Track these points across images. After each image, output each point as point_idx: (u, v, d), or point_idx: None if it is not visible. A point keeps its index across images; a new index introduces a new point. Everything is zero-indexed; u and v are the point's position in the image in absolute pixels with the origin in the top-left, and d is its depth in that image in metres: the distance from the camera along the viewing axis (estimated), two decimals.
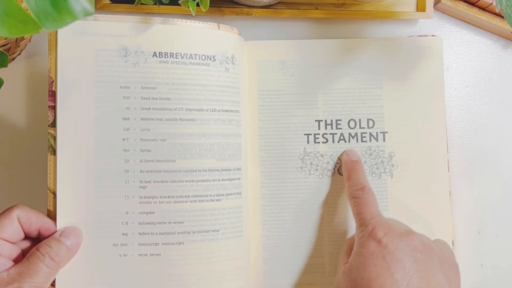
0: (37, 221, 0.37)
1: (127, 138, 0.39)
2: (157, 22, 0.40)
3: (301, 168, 0.45)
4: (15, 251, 0.36)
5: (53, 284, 0.38)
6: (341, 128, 0.45)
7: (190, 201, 0.40)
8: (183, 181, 0.40)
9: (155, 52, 0.40)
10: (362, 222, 0.39)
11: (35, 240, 0.38)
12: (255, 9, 0.47)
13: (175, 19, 0.40)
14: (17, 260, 0.36)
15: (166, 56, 0.40)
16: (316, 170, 0.45)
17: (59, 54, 0.39)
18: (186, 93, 0.40)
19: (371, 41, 0.46)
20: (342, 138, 0.45)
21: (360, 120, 0.45)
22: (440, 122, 0.45)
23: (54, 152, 0.39)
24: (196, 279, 0.39)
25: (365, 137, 0.45)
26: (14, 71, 0.46)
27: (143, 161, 0.39)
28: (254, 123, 0.45)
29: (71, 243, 0.37)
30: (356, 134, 0.45)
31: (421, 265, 0.36)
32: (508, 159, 0.48)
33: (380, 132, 0.45)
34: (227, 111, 0.41)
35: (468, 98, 0.49)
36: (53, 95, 0.39)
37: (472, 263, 0.47)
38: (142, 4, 0.41)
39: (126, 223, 0.39)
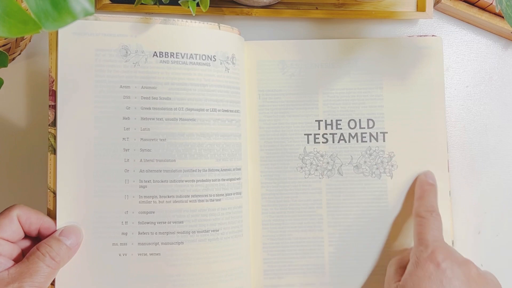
0: (37, 221, 0.37)
1: (127, 138, 0.39)
2: (158, 22, 0.40)
3: (301, 168, 0.45)
4: (15, 251, 0.36)
5: (52, 283, 0.38)
6: (341, 128, 0.45)
7: (190, 201, 0.40)
8: (183, 180, 0.40)
9: (155, 52, 0.40)
10: (422, 242, 0.39)
11: (35, 239, 0.38)
12: (255, 9, 0.47)
13: (176, 19, 0.40)
14: (17, 260, 0.36)
15: (166, 56, 0.40)
16: (316, 170, 0.45)
17: (60, 53, 0.39)
18: (186, 93, 0.40)
19: (371, 41, 0.46)
20: (342, 138, 0.45)
21: (360, 120, 0.45)
22: (440, 122, 0.45)
23: (54, 151, 0.39)
24: (195, 279, 0.39)
25: (365, 137, 0.45)
26: (14, 71, 0.46)
27: (143, 160, 0.39)
28: (254, 123, 0.45)
29: (71, 242, 0.37)
30: (356, 134, 0.45)
31: None
32: (508, 159, 0.48)
33: (380, 132, 0.45)
34: (227, 111, 0.41)
35: (468, 98, 0.49)
36: (53, 94, 0.39)
37: None
38: (142, 4, 0.41)
39: (126, 222, 0.39)
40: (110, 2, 0.47)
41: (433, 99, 0.45)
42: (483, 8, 0.48)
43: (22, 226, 0.36)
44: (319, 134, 0.45)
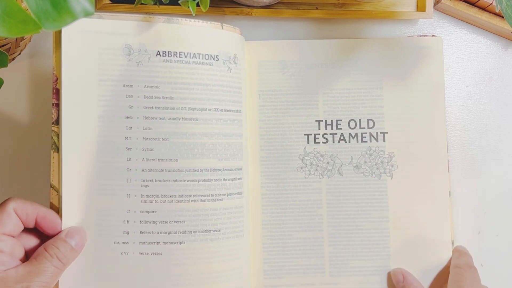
0: (32, 211, 0.36)
1: (130, 137, 0.39)
2: (161, 21, 0.40)
3: (301, 168, 0.45)
4: (18, 247, 0.36)
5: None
6: (341, 128, 0.45)
7: (192, 201, 0.40)
8: (185, 180, 0.40)
9: (158, 51, 0.40)
10: None
11: (34, 233, 0.38)
12: (255, 9, 0.47)
13: (179, 18, 0.40)
14: (20, 256, 0.36)
15: (169, 55, 0.40)
16: (316, 170, 0.45)
17: (64, 52, 0.39)
18: (189, 93, 0.40)
19: (371, 41, 0.46)
20: (342, 138, 0.45)
21: (360, 120, 0.45)
22: (440, 122, 0.45)
23: (57, 149, 0.39)
24: (196, 279, 0.39)
25: (365, 137, 0.45)
26: (14, 71, 0.46)
27: (145, 160, 0.39)
28: (255, 123, 0.45)
29: (76, 243, 0.37)
30: (356, 134, 0.45)
31: None
32: (508, 159, 0.48)
33: (380, 133, 0.45)
34: (229, 111, 0.41)
35: (468, 98, 0.49)
36: (57, 93, 0.39)
37: None
38: (142, 4, 0.41)
39: (128, 221, 0.39)
40: (110, 2, 0.47)
41: (433, 99, 0.45)
42: (483, 8, 0.48)
43: (20, 218, 0.36)
44: (319, 134, 0.45)
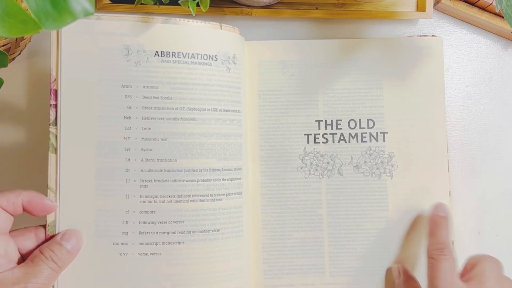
0: (16, 198, 0.36)
1: (129, 137, 0.39)
2: (159, 21, 0.40)
3: (301, 168, 0.45)
4: (13, 249, 0.36)
5: None
6: (341, 128, 0.45)
7: (191, 201, 0.40)
8: (184, 180, 0.40)
9: (157, 51, 0.40)
10: None
11: (29, 233, 0.37)
12: (255, 9, 0.47)
13: (178, 18, 0.40)
14: (15, 258, 0.36)
15: (168, 56, 0.40)
16: (316, 170, 0.45)
17: (63, 52, 0.39)
18: (188, 93, 0.40)
19: (371, 41, 0.46)
20: (342, 138, 0.45)
21: (360, 120, 0.45)
22: (440, 122, 0.45)
23: (55, 150, 0.39)
24: (196, 279, 0.39)
25: (365, 137, 0.45)
26: (14, 71, 0.46)
27: (144, 160, 0.39)
28: (255, 123, 0.45)
29: (71, 246, 0.37)
30: (356, 134, 0.45)
31: None
32: (508, 159, 0.48)
33: (380, 133, 0.45)
34: (228, 111, 0.41)
35: (468, 98, 0.49)
36: (55, 93, 0.39)
37: None
38: (142, 4, 0.41)
39: (127, 222, 0.39)
40: (110, 2, 0.47)
41: (433, 99, 0.45)
42: (483, 8, 0.48)
43: (6, 211, 0.36)
44: (319, 134, 0.45)
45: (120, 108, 0.39)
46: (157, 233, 0.39)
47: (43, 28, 0.25)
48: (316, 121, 0.45)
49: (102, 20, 0.40)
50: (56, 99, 0.39)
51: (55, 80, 0.39)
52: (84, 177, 0.39)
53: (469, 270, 0.39)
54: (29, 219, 0.39)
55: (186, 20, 0.41)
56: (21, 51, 0.46)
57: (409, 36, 0.47)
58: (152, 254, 0.39)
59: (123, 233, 0.39)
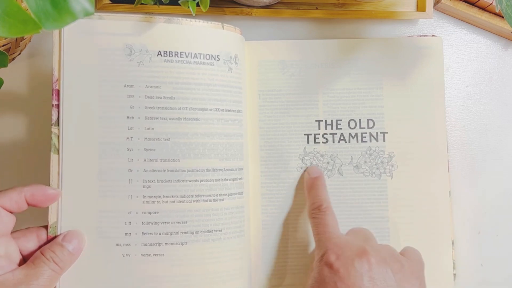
0: (19, 195, 0.36)
1: (131, 137, 0.39)
2: (162, 21, 0.40)
3: (301, 168, 0.45)
4: (14, 251, 0.36)
5: None
6: (341, 128, 0.45)
7: (194, 201, 0.40)
8: (186, 180, 0.40)
9: (159, 51, 0.40)
10: (318, 245, 0.39)
11: (31, 235, 0.37)
12: (255, 9, 0.47)
13: (180, 18, 0.40)
14: (16, 260, 0.36)
15: (170, 55, 0.40)
16: None
17: (64, 52, 0.39)
18: (190, 93, 0.40)
19: (371, 41, 0.46)
20: (342, 138, 0.45)
21: (360, 120, 0.45)
22: (440, 122, 0.45)
23: (57, 151, 0.39)
24: (199, 279, 0.39)
25: (365, 137, 0.45)
26: (14, 71, 0.46)
27: (147, 160, 0.39)
28: (255, 123, 0.45)
29: (73, 247, 0.37)
30: (356, 134, 0.45)
31: (376, 285, 0.34)
32: (508, 159, 0.48)
33: (380, 132, 0.45)
34: (230, 110, 0.41)
35: (468, 98, 0.49)
36: (57, 93, 0.39)
37: (472, 263, 0.47)
38: (142, 4, 0.41)
39: (130, 223, 0.39)
40: (110, 2, 0.47)
41: (433, 99, 0.45)
42: (483, 8, 0.48)
43: (11, 211, 0.36)
44: (319, 134, 0.45)
45: (123, 108, 0.39)
46: (160, 233, 0.39)
47: (43, 28, 0.25)
48: (316, 121, 0.45)
49: (104, 20, 0.39)
50: (58, 99, 0.39)
51: (57, 80, 0.39)
52: (87, 178, 0.39)
53: None
54: (31, 219, 0.39)
55: (188, 19, 0.41)
56: (21, 51, 0.46)
57: (409, 36, 0.47)
58: (155, 255, 0.39)
59: (126, 234, 0.39)
